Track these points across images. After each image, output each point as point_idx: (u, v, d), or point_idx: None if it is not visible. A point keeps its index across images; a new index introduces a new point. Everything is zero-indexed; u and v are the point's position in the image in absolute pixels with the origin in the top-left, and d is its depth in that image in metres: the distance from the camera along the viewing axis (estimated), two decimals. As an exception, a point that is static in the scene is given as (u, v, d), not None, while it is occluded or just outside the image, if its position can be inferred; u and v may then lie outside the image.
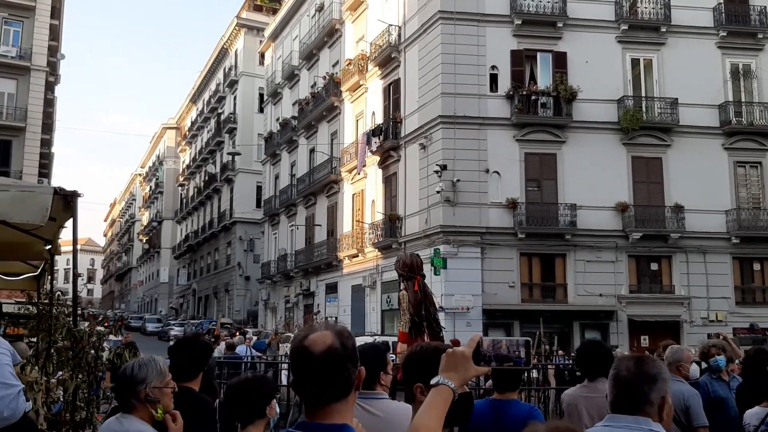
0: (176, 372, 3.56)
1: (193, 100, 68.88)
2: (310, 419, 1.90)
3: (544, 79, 26.31)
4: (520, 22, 25.93)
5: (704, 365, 7.17)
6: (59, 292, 6.78)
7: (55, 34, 39.12)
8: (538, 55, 26.48)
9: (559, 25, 26.19)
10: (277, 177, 44.44)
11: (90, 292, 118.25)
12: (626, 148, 26.15)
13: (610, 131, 26.01)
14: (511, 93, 25.63)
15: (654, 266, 26.23)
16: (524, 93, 25.63)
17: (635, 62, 26.97)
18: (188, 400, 3.59)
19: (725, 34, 27.10)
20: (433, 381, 2.01)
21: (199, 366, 3.96)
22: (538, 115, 25.76)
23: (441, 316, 24.43)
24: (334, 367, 1.87)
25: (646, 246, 25.63)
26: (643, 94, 26.76)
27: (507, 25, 26.16)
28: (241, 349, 17.40)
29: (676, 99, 26.15)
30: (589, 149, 25.61)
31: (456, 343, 7.89)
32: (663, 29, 26.74)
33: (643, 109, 26.23)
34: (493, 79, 25.99)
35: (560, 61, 26.23)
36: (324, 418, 1.88)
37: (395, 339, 12.51)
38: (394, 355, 7.36)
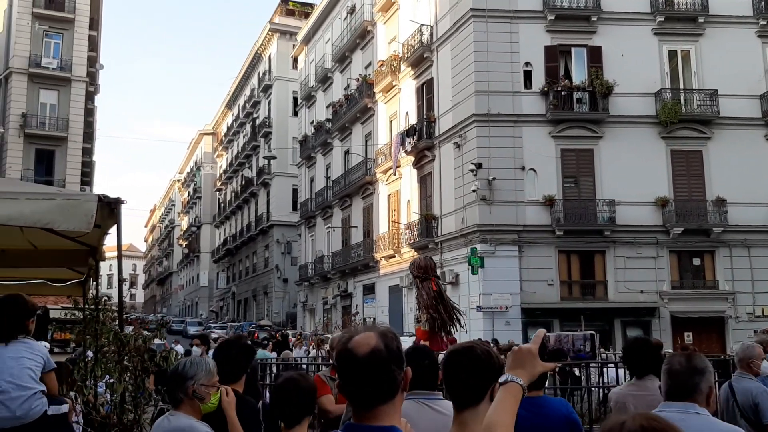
0: (220, 374, 3.63)
1: (229, 105, 69.70)
2: (357, 421, 1.90)
3: (579, 74, 26.01)
4: (553, 18, 25.68)
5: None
6: (106, 297, 6.92)
7: (93, 44, 40.02)
8: (573, 50, 26.19)
9: (594, 19, 25.87)
10: (312, 180, 44.72)
11: (132, 296, 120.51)
12: (665, 141, 25.71)
13: (648, 125, 25.59)
14: (545, 89, 25.40)
15: (696, 261, 25.72)
16: (559, 89, 25.38)
17: (672, 54, 26.49)
18: (233, 402, 3.63)
19: (765, 22, 26.45)
20: (501, 379, 2.01)
21: (243, 368, 4.02)
22: (574, 111, 25.48)
23: (479, 315, 24.47)
24: (378, 369, 1.87)
25: (688, 241, 25.14)
26: (682, 87, 26.28)
27: (540, 21, 25.93)
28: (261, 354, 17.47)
29: (716, 90, 25.61)
30: (626, 144, 25.24)
31: (452, 341, 7.85)
32: (700, 19, 26.21)
33: (682, 101, 25.75)
34: (527, 75, 25.78)
35: (595, 55, 25.90)
36: (371, 420, 1.88)
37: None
38: None
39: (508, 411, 1.95)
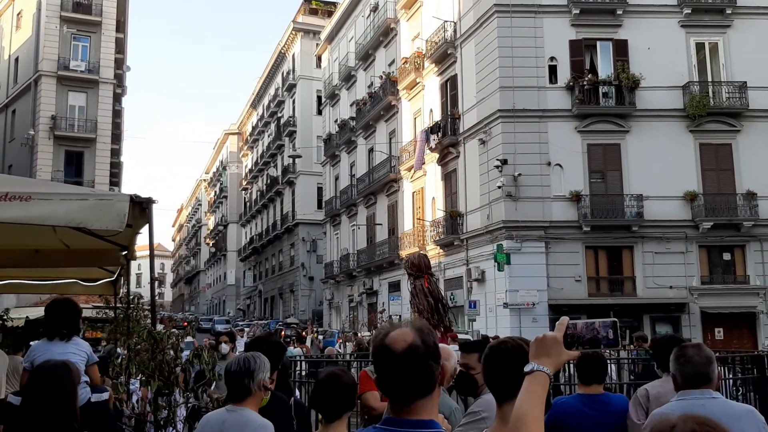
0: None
1: (254, 105, 70.13)
2: (395, 415, 1.92)
3: (604, 68, 25.76)
4: (578, 12, 25.46)
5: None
6: (138, 296, 7.04)
7: (120, 47, 40.51)
8: (598, 43, 25.95)
9: (619, 12, 25.59)
10: (337, 178, 44.85)
11: (161, 295, 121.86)
12: (693, 135, 25.36)
13: (676, 118, 25.27)
14: (571, 84, 25.20)
15: (727, 256, 25.34)
16: (585, 83, 25.16)
17: (700, 46, 26.11)
18: (265, 398, 3.67)
19: (796, 12, 25.97)
20: (527, 368, 1.98)
21: (274, 365, 4.06)
22: (600, 105, 25.25)
23: (506, 312, 24.35)
24: (416, 365, 1.88)
25: (718, 235, 24.78)
26: (710, 79, 25.90)
27: (565, 15, 25.72)
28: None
29: (745, 82, 25.20)
30: (654, 138, 24.95)
31: (454, 336, 7.83)
32: (728, 11, 25.79)
33: (710, 94, 25.37)
34: (552, 70, 25.60)
35: (621, 49, 25.63)
36: (409, 414, 1.90)
37: (465, 336, 12.50)
38: None
39: (536, 401, 1.93)
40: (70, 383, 3.17)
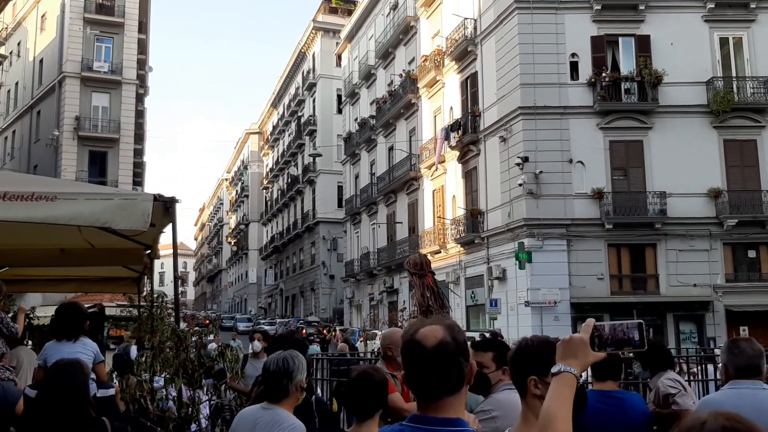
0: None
1: (274, 104, 70.43)
2: (423, 412, 1.92)
3: (627, 64, 25.53)
4: (599, 7, 25.25)
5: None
6: (163, 294, 7.12)
7: (142, 47, 40.89)
8: (620, 39, 25.71)
9: (641, 7, 25.33)
10: (357, 176, 44.91)
11: (183, 293, 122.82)
12: (717, 131, 25.05)
13: (700, 114, 24.97)
14: (592, 80, 25.00)
15: (752, 254, 25.00)
16: (607, 79, 24.95)
17: (724, 41, 25.76)
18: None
19: (823, 5, 25.54)
20: (554, 369, 1.98)
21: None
22: (622, 102, 25.02)
23: (527, 311, 24.29)
24: (446, 361, 1.88)
25: (743, 233, 24.45)
26: (734, 74, 25.55)
27: (586, 11, 25.52)
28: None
29: (771, 77, 24.84)
30: (677, 134, 24.67)
31: None
32: (752, 5, 25.42)
33: (734, 89, 25.04)
34: (574, 66, 25.42)
35: (643, 44, 25.37)
36: (437, 411, 1.89)
37: (487, 334, 12.48)
38: None
39: (564, 401, 1.94)
40: (83, 377, 3.54)
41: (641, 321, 2.04)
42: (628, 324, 2.04)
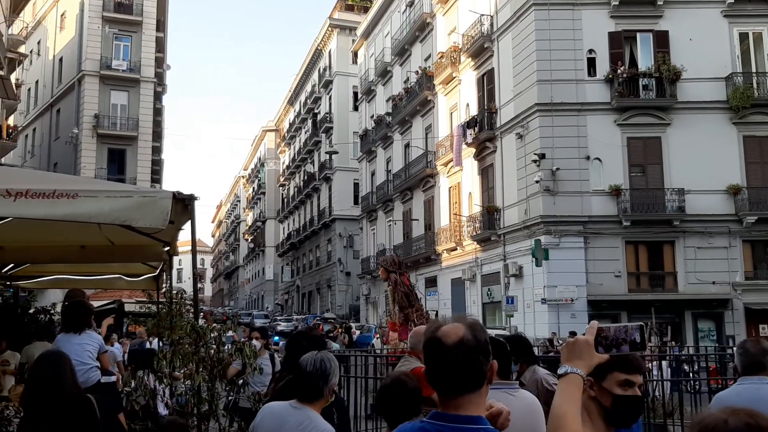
0: (291, 366, 3.70)
1: (291, 102, 70.61)
2: (444, 410, 1.93)
3: (645, 60, 25.33)
4: (617, 3, 25.06)
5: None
6: (182, 291, 7.20)
7: (160, 46, 41.16)
8: (638, 35, 25.52)
9: (660, 3, 25.11)
10: (373, 173, 44.93)
11: (201, 290, 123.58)
12: (737, 127, 24.79)
13: (719, 111, 24.73)
14: (610, 76, 24.84)
15: (772, 251, 24.75)
16: (624, 75, 24.77)
17: (743, 36, 25.49)
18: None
19: None
20: (560, 371, 2.03)
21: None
22: (640, 98, 24.85)
23: (544, 308, 24.21)
24: (467, 359, 1.89)
25: (763, 230, 24.19)
26: (754, 70, 25.28)
27: (604, 7, 25.35)
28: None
29: (792, 73, 24.55)
30: (696, 131, 24.45)
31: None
32: (774, -1, 25.15)
33: (754, 85, 24.78)
34: (591, 63, 25.27)
35: (662, 40, 25.16)
36: (457, 408, 1.90)
37: (505, 332, 12.49)
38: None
39: (573, 401, 1.98)
40: (68, 363, 3.82)
41: (642, 323, 2.12)
42: (630, 326, 2.09)
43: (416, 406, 3.22)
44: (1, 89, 25.89)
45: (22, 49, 38.90)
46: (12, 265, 8.90)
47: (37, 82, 44.44)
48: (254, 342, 8.22)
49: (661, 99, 24.67)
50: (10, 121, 35.19)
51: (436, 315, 32.53)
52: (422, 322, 7.41)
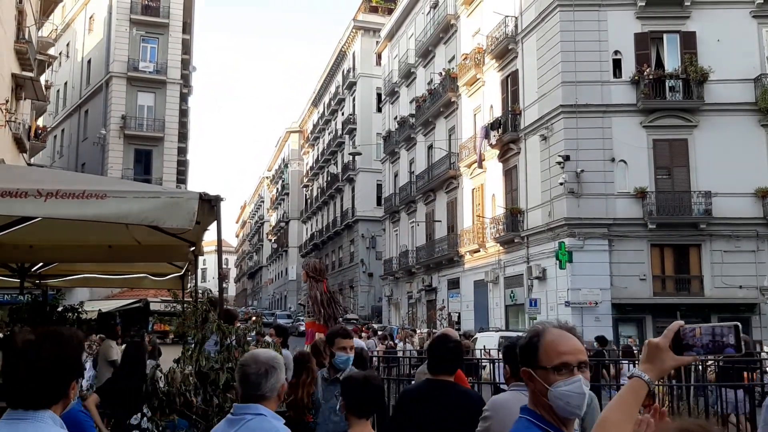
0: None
1: (315, 103, 70.89)
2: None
3: (671, 61, 25.06)
4: (644, 4, 24.83)
5: None
6: (209, 290, 7.28)
7: (186, 48, 41.56)
8: (665, 36, 25.26)
9: (687, 3, 24.83)
10: (396, 175, 44.96)
11: (225, 290, 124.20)
12: (765, 129, 24.43)
13: (747, 112, 24.38)
14: (636, 78, 24.61)
15: (801, 255, 24.32)
16: (651, 77, 24.52)
17: (773, 37, 25.09)
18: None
19: None
20: (628, 372, 1.99)
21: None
22: (667, 100, 24.58)
23: (567, 311, 24.05)
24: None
25: (792, 234, 23.81)
26: (784, 71, 24.89)
27: (630, 8, 25.14)
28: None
29: (822, 74, 24.12)
30: (723, 133, 24.13)
31: (359, 330, 8.31)
32: (804, -1, 24.73)
33: (784, 86, 24.38)
34: (617, 64, 25.06)
35: (689, 41, 24.88)
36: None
37: (521, 334, 12.45)
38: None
39: (623, 407, 1.88)
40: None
41: (738, 323, 1.91)
42: (722, 327, 1.90)
43: (379, 402, 3.54)
44: (31, 91, 26.32)
45: (51, 51, 39.51)
46: (41, 263, 9.07)
47: (65, 83, 45.12)
48: (267, 338, 8.24)
49: (688, 101, 24.39)
50: (40, 122, 35.75)
51: (459, 317, 32.50)
52: (330, 326, 7.83)
